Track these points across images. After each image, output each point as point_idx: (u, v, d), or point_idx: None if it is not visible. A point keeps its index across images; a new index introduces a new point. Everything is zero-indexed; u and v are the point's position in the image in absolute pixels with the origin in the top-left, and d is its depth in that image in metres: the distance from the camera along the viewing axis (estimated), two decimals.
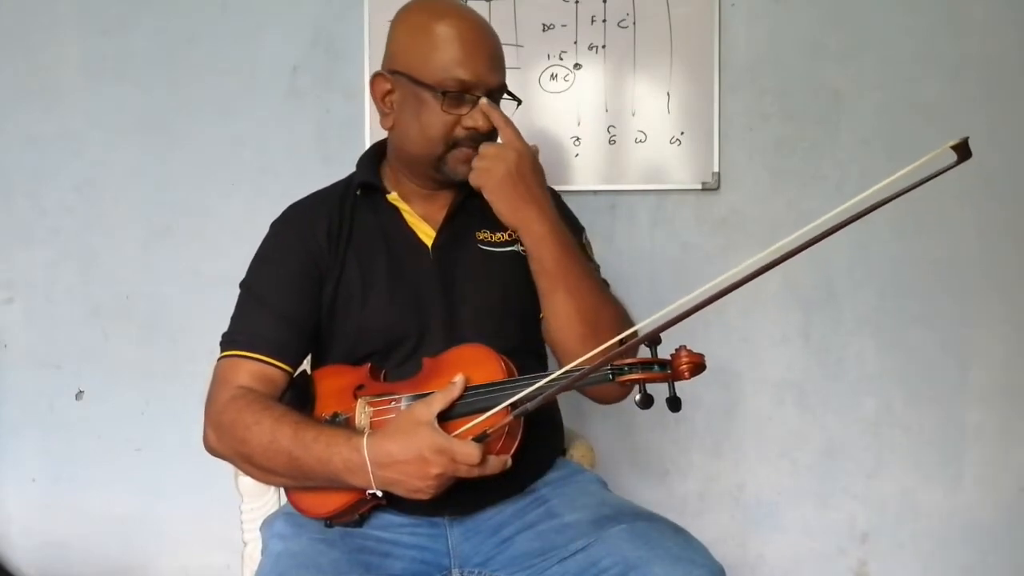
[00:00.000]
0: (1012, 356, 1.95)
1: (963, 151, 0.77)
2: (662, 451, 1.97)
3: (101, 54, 1.94)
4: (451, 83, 1.14)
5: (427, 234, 1.23)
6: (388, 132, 1.25)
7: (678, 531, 1.09)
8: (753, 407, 1.97)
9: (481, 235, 1.25)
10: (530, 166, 1.16)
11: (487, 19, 1.21)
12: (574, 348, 1.13)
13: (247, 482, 1.29)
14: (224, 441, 1.13)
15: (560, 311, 1.16)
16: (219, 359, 1.19)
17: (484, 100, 1.16)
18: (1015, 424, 1.96)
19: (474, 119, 1.15)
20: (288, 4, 1.93)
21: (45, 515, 1.99)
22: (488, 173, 1.14)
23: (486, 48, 1.16)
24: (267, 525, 1.20)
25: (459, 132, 1.16)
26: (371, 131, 1.89)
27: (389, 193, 1.24)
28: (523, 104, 1.86)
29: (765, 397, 1.97)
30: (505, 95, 1.21)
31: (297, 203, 1.29)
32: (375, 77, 1.23)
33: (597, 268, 1.29)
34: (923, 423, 1.96)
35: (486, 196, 1.15)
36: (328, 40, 1.93)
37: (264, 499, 1.31)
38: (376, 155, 1.30)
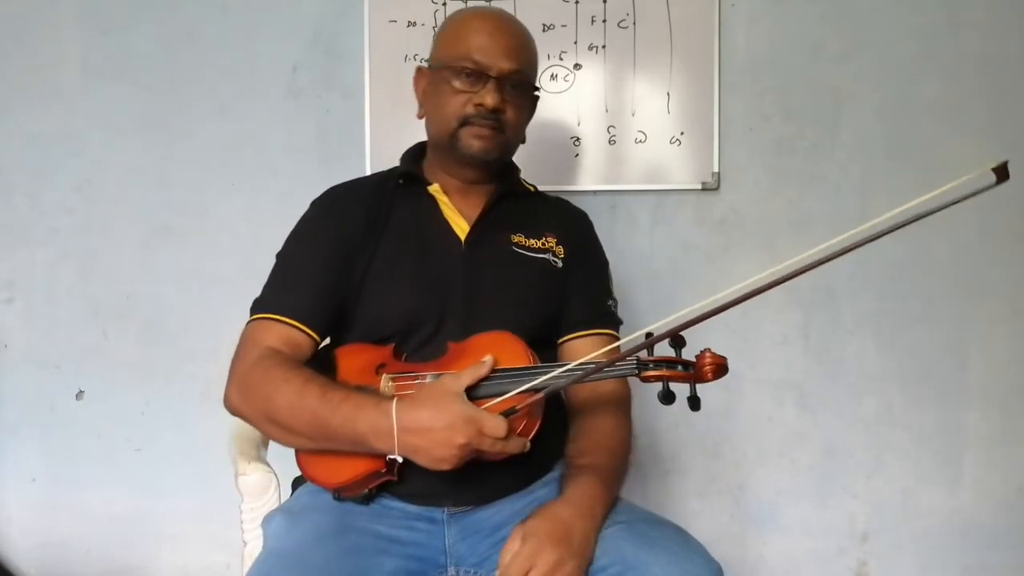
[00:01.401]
0: (1012, 356, 1.95)
1: (1002, 174, 0.80)
2: (662, 451, 1.97)
3: (101, 54, 1.94)
4: (466, 63, 1.23)
5: (462, 228, 1.26)
6: (424, 124, 1.32)
7: (676, 531, 1.09)
8: (753, 407, 1.97)
9: (516, 238, 1.28)
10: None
11: None
12: None
13: (247, 482, 1.29)
14: (249, 400, 1.14)
15: None
16: (248, 322, 1.21)
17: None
18: (1015, 424, 1.96)
19: (482, 96, 1.22)
20: (288, 4, 1.93)
21: (45, 515, 1.99)
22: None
23: (502, 36, 1.24)
24: (266, 522, 1.20)
25: (469, 110, 1.23)
26: (371, 131, 1.89)
27: (431, 184, 1.28)
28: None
29: (765, 397, 1.97)
30: (532, 85, 1.29)
31: (337, 186, 1.33)
32: (416, 71, 1.34)
33: (615, 304, 1.33)
34: (923, 423, 1.96)
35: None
36: (328, 40, 1.93)
37: (264, 499, 1.31)
38: (419, 151, 1.36)
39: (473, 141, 1.24)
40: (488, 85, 1.22)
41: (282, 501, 1.29)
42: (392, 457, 1.06)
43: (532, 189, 1.39)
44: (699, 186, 1.92)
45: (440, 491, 1.08)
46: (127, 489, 1.98)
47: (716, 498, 1.98)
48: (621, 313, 1.35)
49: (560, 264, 1.29)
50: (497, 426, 1.01)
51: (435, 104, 1.27)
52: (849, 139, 1.93)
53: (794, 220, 1.93)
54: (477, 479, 1.07)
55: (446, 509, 1.17)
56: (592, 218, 1.40)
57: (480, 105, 1.22)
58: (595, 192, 1.92)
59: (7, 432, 1.98)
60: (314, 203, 1.31)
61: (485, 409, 1.03)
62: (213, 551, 1.96)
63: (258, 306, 1.22)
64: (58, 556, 1.99)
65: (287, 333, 1.18)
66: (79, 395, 1.98)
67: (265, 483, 1.29)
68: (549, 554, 1.02)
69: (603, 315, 1.31)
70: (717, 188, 1.92)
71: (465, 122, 1.23)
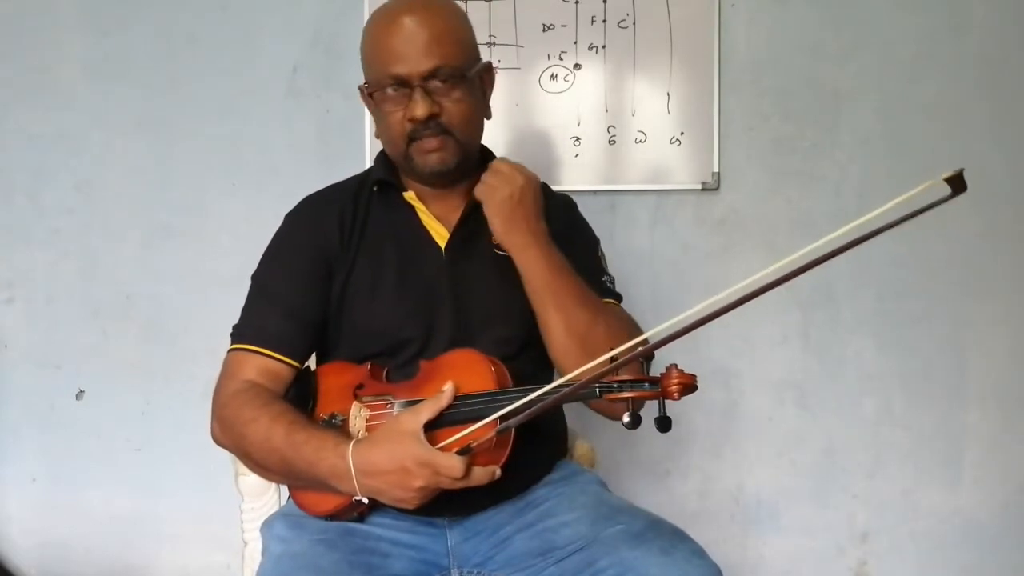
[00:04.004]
0: (1012, 356, 1.95)
1: (957, 183, 0.74)
2: (662, 451, 1.97)
3: (101, 54, 1.94)
4: (387, 81, 1.15)
5: (441, 235, 1.23)
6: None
7: (675, 532, 1.08)
8: (753, 407, 1.97)
9: (496, 240, 1.24)
10: (532, 196, 1.19)
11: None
12: (564, 364, 1.15)
13: (247, 482, 1.29)
14: (226, 434, 1.16)
15: (550, 327, 1.16)
16: (228, 351, 1.20)
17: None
18: (1015, 424, 1.96)
19: (412, 110, 1.14)
20: (288, 4, 1.93)
21: (45, 515, 1.99)
22: (493, 190, 1.18)
23: (415, 37, 1.13)
24: (267, 527, 1.20)
25: (407, 126, 1.16)
26: (371, 131, 1.89)
27: (406, 191, 1.24)
28: (523, 104, 1.90)
29: (765, 397, 1.97)
30: (462, 69, 1.17)
31: (310, 196, 1.30)
32: (360, 90, 1.25)
33: (611, 280, 1.29)
34: (923, 423, 1.96)
35: (485, 211, 1.18)
36: (328, 40, 1.93)
37: (264, 499, 1.31)
38: None
39: (425, 159, 1.17)
40: (414, 95, 1.14)
41: (281, 502, 1.29)
42: (357, 498, 1.06)
43: None
44: (699, 186, 1.92)
45: (436, 505, 1.06)
46: (127, 489, 1.97)
47: (716, 498, 1.98)
48: None
49: None
50: (453, 467, 0.99)
51: (381, 125, 1.21)
52: (849, 139, 1.93)
53: (794, 220, 1.93)
54: (472, 492, 1.04)
55: (446, 517, 1.17)
56: (592, 218, 1.38)
57: (412, 119, 1.15)
58: (595, 192, 1.92)
59: (7, 432, 1.98)
60: (288, 217, 1.28)
61: (442, 447, 1.01)
62: (213, 551, 1.95)
63: (236, 335, 1.21)
64: (58, 556, 1.99)
65: (264, 364, 1.17)
66: (79, 395, 1.98)
67: (265, 483, 1.29)
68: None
69: (602, 289, 1.26)
70: (717, 188, 1.92)
71: (411, 139, 1.17)
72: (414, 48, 1.13)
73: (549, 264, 1.17)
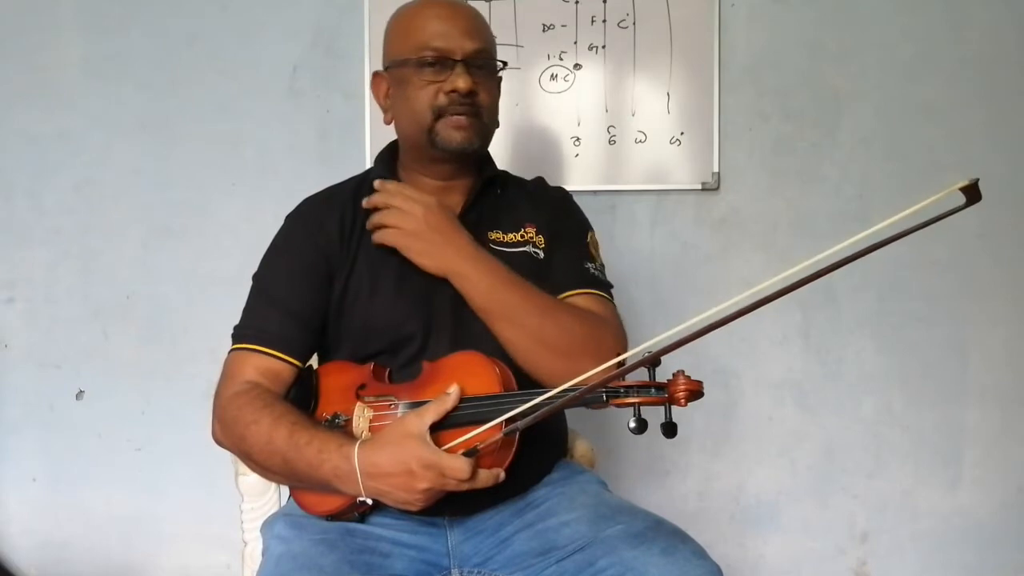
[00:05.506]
0: (1012, 356, 1.95)
1: (972, 194, 0.74)
2: (662, 451, 1.97)
3: (101, 54, 1.94)
4: (428, 52, 1.17)
5: None
6: (394, 127, 1.27)
7: (675, 532, 1.08)
8: (753, 407, 1.97)
9: (493, 235, 1.24)
10: (438, 214, 1.16)
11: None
12: (531, 369, 1.15)
13: (247, 482, 1.29)
14: (227, 435, 1.15)
15: (505, 339, 1.15)
16: (229, 351, 1.20)
17: (378, 182, 1.19)
18: (1015, 424, 1.96)
19: (453, 82, 1.16)
20: (288, 4, 1.93)
21: (45, 515, 1.99)
22: (397, 233, 1.16)
23: (458, 18, 1.19)
24: (267, 527, 1.20)
25: (441, 99, 1.17)
26: (371, 131, 1.89)
27: None
28: (523, 104, 1.90)
29: (765, 397, 1.97)
30: (497, 61, 1.24)
31: (311, 197, 1.30)
32: (374, 77, 1.27)
33: (601, 267, 1.28)
34: (923, 423, 1.96)
35: (403, 253, 1.16)
36: (328, 40, 1.93)
37: (264, 499, 1.31)
38: (393, 153, 1.31)
39: (453, 133, 1.18)
40: (456, 69, 1.16)
41: (282, 502, 1.29)
42: (361, 499, 1.06)
43: (503, 176, 1.32)
44: (699, 186, 1.92)
45: (437, 505, 1.06)
46: (127, 489, 1.97)
47: (716, 498, 1.98)
48: (622, 313, 1.30)
49: (542, 254, 1.24)
50: (459, 468, 0.99)
51: (403, 103, 1.21)
52: (849, 139, 1.93)
53: (794, 220, 1.93)
54: (472, 492, 1.04)
55: (446, 517, 1.17)
56: (592, 218, 1.37)
57: (453, 91, 1.16)
58: (595, 192, 1.92)
59: (7, 432, 1.98)
60: (289, 217, 1.28)
61: (448, 448, 1.01)
62: (213, 551, 1.95)
63: (236, 336, 1.21)
64: (58, 556, 1.99)
65: (265, 364, 1.17)
66: (79, 395, 1.98)
67: (265, 483, 1.29)
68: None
69: (583, 278, 1.24)
70: (717, 188, 1.92)
71: (440, 114, 1.18)
72: (459, 28, 1.18)
73: (489, 281, 1.15)
